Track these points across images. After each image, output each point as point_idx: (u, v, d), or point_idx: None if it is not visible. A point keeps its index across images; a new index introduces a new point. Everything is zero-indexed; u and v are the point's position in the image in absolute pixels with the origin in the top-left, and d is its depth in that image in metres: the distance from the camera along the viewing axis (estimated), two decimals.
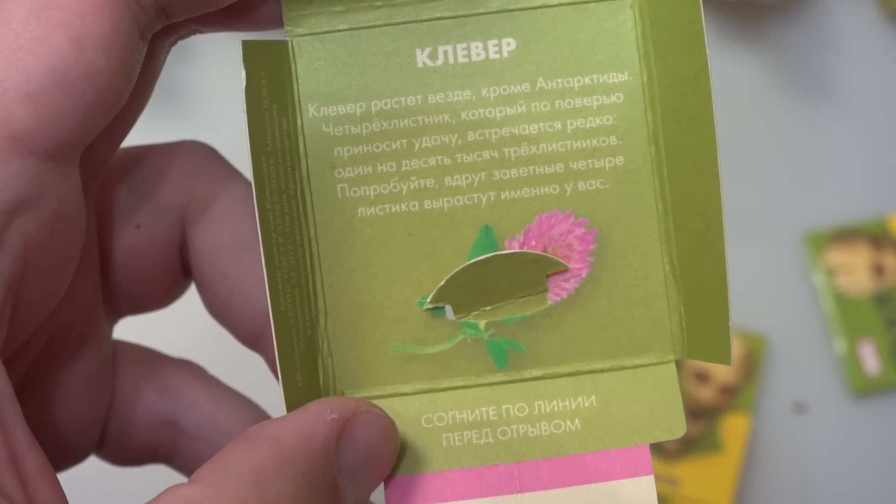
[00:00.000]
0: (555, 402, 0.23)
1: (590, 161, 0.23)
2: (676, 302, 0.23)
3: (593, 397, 0.23)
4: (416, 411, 0.23)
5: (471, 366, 0.23)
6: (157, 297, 0.25)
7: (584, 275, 0.23)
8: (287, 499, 0.19)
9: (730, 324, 0.21)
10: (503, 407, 0.23)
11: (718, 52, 0.53)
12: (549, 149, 0.22)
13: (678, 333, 0.23)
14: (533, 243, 0.23)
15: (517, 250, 0.23)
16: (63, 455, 0.25)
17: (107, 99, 0.20)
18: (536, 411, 0.23)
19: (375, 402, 0.22)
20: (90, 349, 0.24)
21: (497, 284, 0.23)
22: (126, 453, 0.26)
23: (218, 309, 0.25)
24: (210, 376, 0.27)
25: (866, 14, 0.53)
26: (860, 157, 0.52)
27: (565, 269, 0.23)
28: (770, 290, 0.50)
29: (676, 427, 0.22)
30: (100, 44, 0.19)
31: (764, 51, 0.53)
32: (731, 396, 0.49)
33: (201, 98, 0.48)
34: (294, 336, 0.22)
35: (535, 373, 0.23)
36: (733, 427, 0.48)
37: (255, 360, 0.26)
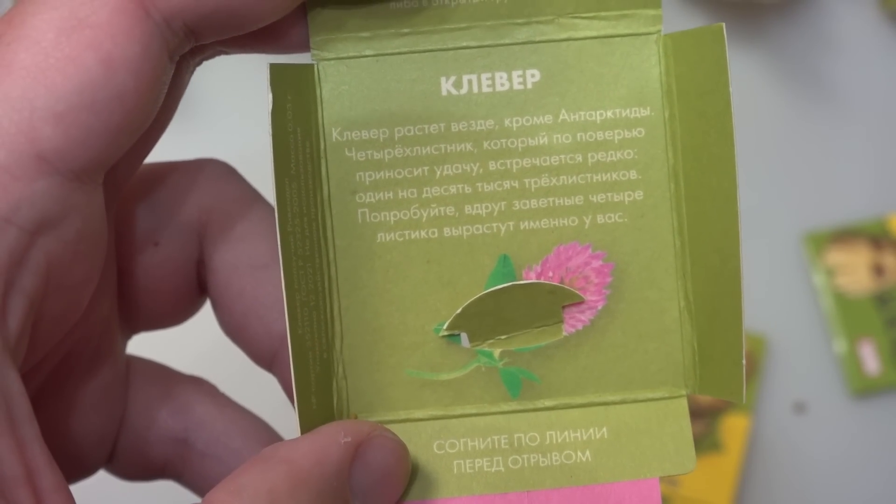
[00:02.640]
0: (566, 433, 0.23)
1: (609, 195, 0.23)
2: (690, 337, 0.23)
3: (605, 429, 0.23)
4: (428, 437, 0.23)
5: (484, 394, 0.23)
6: (173, 314, 0.26)
7: (599, 307, 0.23)
8: None
9: (743, 361, 0.21)
10: (515, 436, 0.23)
11: None
12: (570, 181, 0.23)
13: (691, 368, 0.23)
14: (550, 274, 0.23)
15: (534, 280, 0.23)
16: (74, 468, 0.25)
17: (134, 120, 0.20)
18: (548, 441, 0.23)
19: (388, 426, 0.22)
20: (105, 365, 0.24)
21: (513, 314, 0.23)
22: (136, 468, 0.26)
23: (233, 328, 0.25)
24: (221, 394, 0.27)
25: (866, 14, 0.53)
26: (860, 157, 0.52)
27: (581, 301, 0.23)
28: (770, 290, 0.50)
29: (686, 462, 0.23)
30: (130, 66, 0.19)
31: (764, 51, 0.53)
32: None
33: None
34: (310, 359, 0.22)
35: (548, 403, 0.23)
36: (733, 427, 0.48)
37: (266, 380, 0.26)
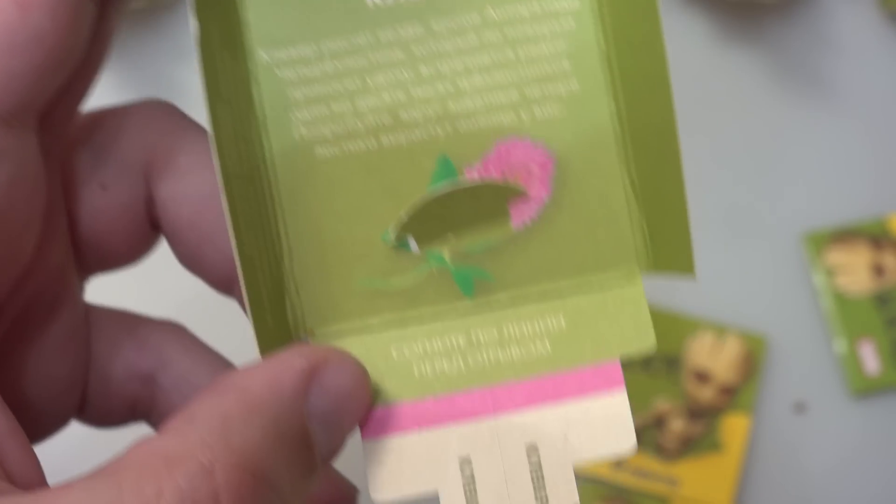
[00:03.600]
0: (524, 325, 0.23)
1: (544, 87, 0.23)
2: (639, 218, 0.23)
3: (562, 318, 0.23)
4: (385, 344, 0.23)
5: (438, 296, 0.23)
6: (128, 253, 0.26)
7: (545, 199, 0.23)
8: (253, 445, 0.19)
9: (691, 236, 0.22)
10: (472, 333, 0.23)
11: (718, 52, 0.53)
12: (503, 78, 0.23)
13: (642, 248, 0.23)
14: (492, 171, 0.23)
15: (477, 179, 0.23)
16: (45, 420, 0.25)
17: (55, 60, 0.20)
18: (506, 335, 0.23)
19: (345, 337, 0.23)
20: (65, 310, 0.25)
21: (459, 214, 0.23)
22: (106, 413, 0.26)
23: (189, 259, 0.25)
24: (189, 334, 0.27)
25: (866, 14, 0.53)
26: (860, 157, 0.52)
27: (526, 195, 0.23)
28: (770, 290, 0.50)
29: (646, 341, 0.23)
30: (45, 7, 0.19)
31: (763, 50, 0.53)
32: (731, 396, 0.49)
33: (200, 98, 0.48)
34: (260, 278, 0.22)
35: (503, 297, 0.23)
36: (733, 427, 0.48)
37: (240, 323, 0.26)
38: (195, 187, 0.24)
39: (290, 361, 0.20)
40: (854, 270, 0.50)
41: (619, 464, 0.47)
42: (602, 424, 0.22)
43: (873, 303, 0.50)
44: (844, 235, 0.50)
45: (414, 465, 0.22)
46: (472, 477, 0.22)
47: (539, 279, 0.23)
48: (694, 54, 0.52)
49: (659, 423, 0.48)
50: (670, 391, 0.49)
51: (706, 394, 0.49)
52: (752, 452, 0.48)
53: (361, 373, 0.22)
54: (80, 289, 0.26)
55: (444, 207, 0.23)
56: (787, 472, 0.48)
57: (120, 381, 0.26)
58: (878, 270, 0.50)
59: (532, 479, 0.22)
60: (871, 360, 0.49)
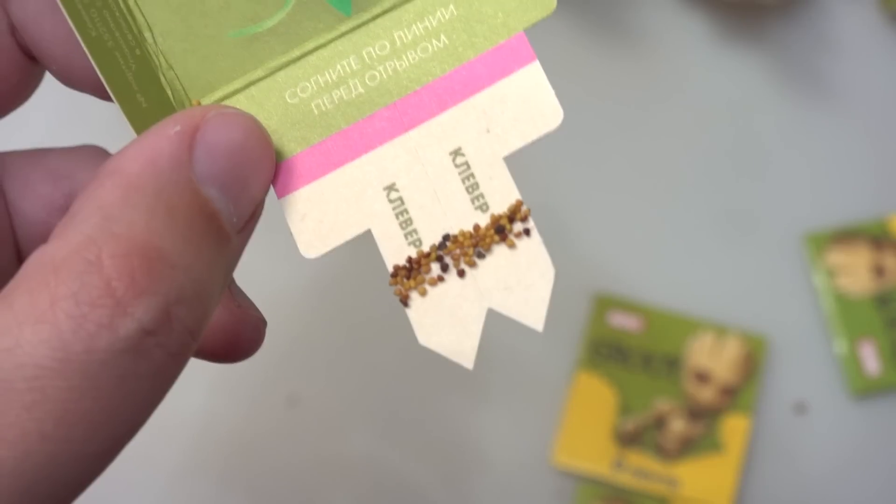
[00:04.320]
0: (414, 27, 0.22)
1: None
2: None
3: (451, 6, 0.22)
4: (277, 91, 0.22)
5: (316, 24, 0.22)
6: (12, 92, 0.24)
7: None
8: (141, 227, 0.18)
9: None
10: (363, 52, 0.22)
11: (718, 52, 0.53)
12: None
13: None
14: None
15: None
16: None
17: None
18: (398, 43, 0.22)
19: (233, 97, 0.22)
20: None
21: None
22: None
23: (67, 75, 0.23)
24: (106, 153, 0.26)
25: (866, 15, 0.53)
26: (860, 157, 0.52)
27: None
28: (770, 290, 0.50)
29: (545, 1, 0.22)
30: None
31: (764, 51, 0.53)
32: (732, 397, 0.49)
33: None
34: (119, 59, 0.21)
35: (386, 4, 0.22)
36: (733, 427, 0.48)
37: None
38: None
39: (163, 130, 0.19)
40: (854, 271, 0.50)
41: (619, 464, 0.47)
42: (522, 105, 0.21)
43: (873, 303, 0.50)
44: (845, 236, 0.50)
45: (337, 210, 0.21)
46: (401, 201, 0.22)
47: None
48: (694, 54, 0.52)
49: (659, 423, 0.48)
50: (670, 391, 0.49)
51: (706, 394, 0.49)
52: (753, 453, 0.48)
53: (251, 124, 0.20)
54: None
55: None
56: (787, 472, 0.48)
57: (41, 219, 0.24)
58: (879, 271, 0.50)
59: (464, 185, 0.22)
60: (871, 360, 0.49)
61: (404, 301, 0.22)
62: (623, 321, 0.49)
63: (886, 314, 0.49)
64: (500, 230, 0.22)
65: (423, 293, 0.22)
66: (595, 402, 0.48)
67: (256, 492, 0.47)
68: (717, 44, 0.52)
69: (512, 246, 0.22)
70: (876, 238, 0.50)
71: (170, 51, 0.21)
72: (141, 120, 0.21)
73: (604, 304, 0.50)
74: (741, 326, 0.50)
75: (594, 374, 0.48)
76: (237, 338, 0.25)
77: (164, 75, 0.21)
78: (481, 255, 0.22)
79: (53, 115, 0.48)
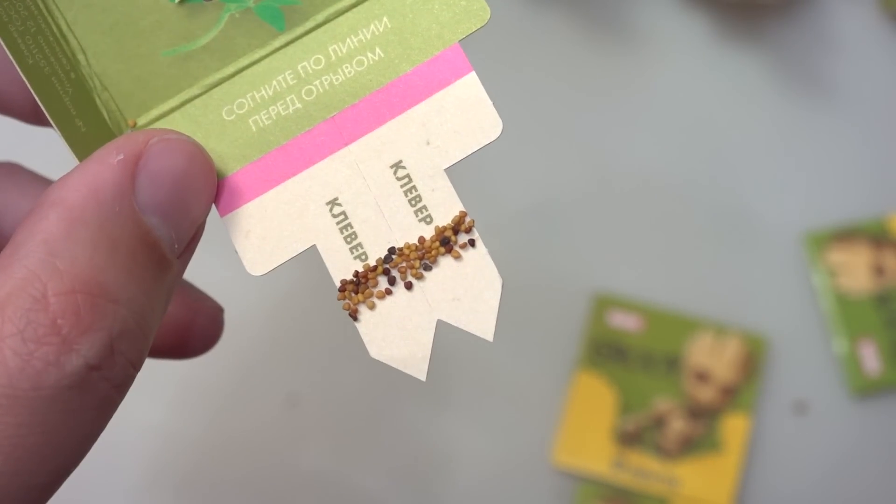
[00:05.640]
0: (348, 40, 0.22)
1: None
2: None
3: (385, 19, 0.22)
4: (214, 108, 0.22)
5: (250, 40, 0.22)
6: None
7: None
8: (84, 263, 0.18)
9: None
10: (298, 67, 0.22)
11: (718, 52, 0.52)
12: None
13: None
14: None
15: None
16: None
17: None
18: (334, 57, 0.22)
19: (169, 116, 0.21)
20: None
21: None
22: None
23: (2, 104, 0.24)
24: (26, 171, 0.26)
25: (866, 14, 0.53)
26: (860, 156, 0.52)
27: None
28: (770, 290, 0.50)
29: (480, 14, 0.22)
30: None
31: (764, 50, 0.52)
32: (732, 396, 0.49)
33: None
34: (56, 84, 0.21)
35: (319, 18, 0.22)
36: (733, 427, 0.48)
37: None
38: None
39: (106, 157, 0.19)
40: (854, 270, 0.50)
41: (619, 464, 0.47)
42: (460, 116, 0.22)
43: (873, 303, 0.50)
44: (845, 235, 0.50)
45: (280, 226, 0.22)
46: (345, 215, 0.22)
47: None
48: (693, 53, 0.52)
49: (659, 423, 0.48)
50: (670, 391, 0.48)
51: (706, 394, 0.49)
52: (753, 452, 0.48)
53: (193, 149, 0.20)
54: None
55: None
56: (787, 472, 0.48)
57: None
58: (879, 270, 0.50)
59: (406, 198, 0.22)
60: (871, 360, 0.49)
61: (353, 315, 0.22)
62: (622, 320, 0.49)
63: (886, 313, 0.49)
64: (445, 242, 0.22)
65: (372, 307, 0.22)
66: (595, 401, 0.48)
67: None
68: (716, 43, 0.52)
69: (458, 257, 0.22)
70: (876, 237, 0.50)
71: (104, 72, 0.21)
72: (82, 145, 0.21)
73: (603, 303, 0.49)
74: (741, 326, 0.50)
75: (594, 374, 0.48)
76: (195, 331, 0.25)
77: (98, 97, 0.21)
78: (428, 268, 0.22)
79: None
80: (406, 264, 0.22)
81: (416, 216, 0.22)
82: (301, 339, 0.48)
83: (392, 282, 0.22)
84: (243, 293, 0.45)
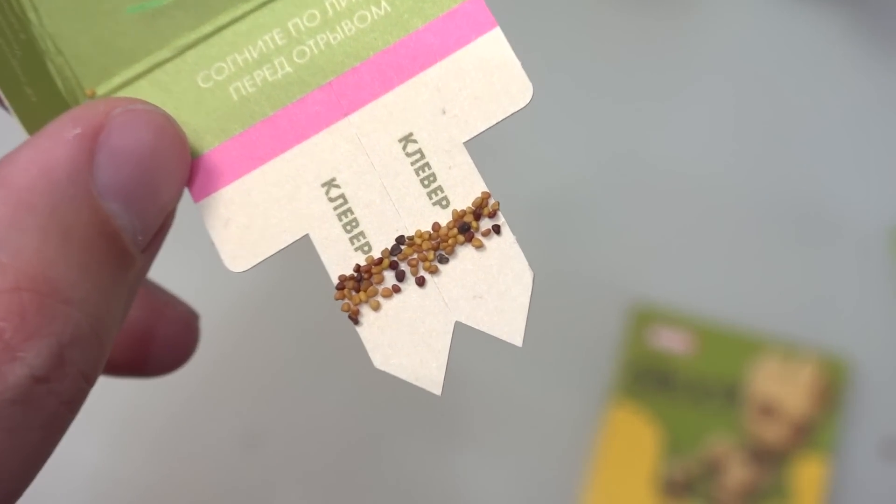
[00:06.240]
0: None
1: None
2: None
3: None
4: (187, 74, 0.21)
5: None
6: None
7: None
8: (30, 255, 0.18)
9: None
10: (289, 24, 0.21)
11: (787, 6, 0.50)
12: None
13: None
14: None
15: None
16: None
17: None
18: (331, 12, 0.21)
19: (135, 83, 0.21)
20: None
21: None
22: None
23: None
24: None
25: None
26: None
27: None
28: (852, 301, 0.48)
29: None
30: None
31: (846, 2, 0.49)
32: (806, 435, 0.46)
33: None
34: (3, 46, 0.21)
35: None
36: (808, 474, 0.46)
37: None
38: None
39: (61, 132, 0.19)
40: None
41: None
42: (483, 80, 0.21)
43: None
44: None
45: (266, 213, 0.21)
46: (344, 199, 0.21)
47: None
48: (756, 10, 0.50)
49: (713, 469, 0.46)
50: (728, 428, 0.46)
51: (773, 432, 0.46)
52: None
53: (162, 121, 0.20)
54: None
55: None
56: None
57: None
58: None
59: (418, 177, 0.21)
60: None
61: (354, 318, 0.21)
62: (668, 340, 0.48)
63: None
64: (465, 229, 0.21)
65: (377, 307, 0.21)
66: (633, 440, 0.46)
67: None
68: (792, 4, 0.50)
69: (480, 246, 0.21)
70: None
71: (59, 33, 0.21)
72: (32, 117, 0.21)
73: (643, 318, 0.48)
74: (817, 346, 0.47)
75: (632, 406, 0.47)
76: (161, 341, 0.26)
77: (52, 61, 0.21)
78: (444, 260, 0.21)
79: None
80: (417, 256, 0.21)
81: (430, 199, 0.21)
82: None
83: (401, 277, 0.21)
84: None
